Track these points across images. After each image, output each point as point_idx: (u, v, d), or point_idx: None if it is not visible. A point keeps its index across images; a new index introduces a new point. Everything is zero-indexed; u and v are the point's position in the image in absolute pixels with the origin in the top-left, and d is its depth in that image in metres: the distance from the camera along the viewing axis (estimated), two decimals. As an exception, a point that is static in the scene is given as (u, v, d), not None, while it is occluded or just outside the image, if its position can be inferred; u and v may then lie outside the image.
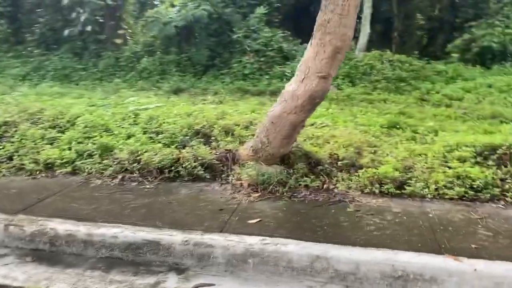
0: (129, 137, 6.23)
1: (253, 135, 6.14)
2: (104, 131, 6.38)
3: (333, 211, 4.34)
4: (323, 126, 7.04)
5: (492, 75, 12.95)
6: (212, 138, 6.23)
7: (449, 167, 5.19)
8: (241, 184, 4.99)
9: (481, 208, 4.41)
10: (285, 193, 4.73)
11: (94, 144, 5.85)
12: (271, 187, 4.83)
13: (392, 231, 3.85)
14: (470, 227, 3.94)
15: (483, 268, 3.23)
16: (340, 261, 3.35)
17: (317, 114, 7.48)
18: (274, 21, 15.31)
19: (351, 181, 4.99)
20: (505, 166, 5.17)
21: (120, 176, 5.27)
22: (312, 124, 7.06)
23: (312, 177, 5.10)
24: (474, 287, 3.14)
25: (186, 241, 3.57)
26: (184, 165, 5.28)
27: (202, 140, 6.14)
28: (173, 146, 5.78)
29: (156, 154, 5.47)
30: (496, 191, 4.66)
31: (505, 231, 3.86)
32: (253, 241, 3.55)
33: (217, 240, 3.60)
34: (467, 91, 11.11)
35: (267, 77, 12.50)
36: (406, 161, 5.41)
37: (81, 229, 3.77)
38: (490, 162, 5.26)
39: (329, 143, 5.99)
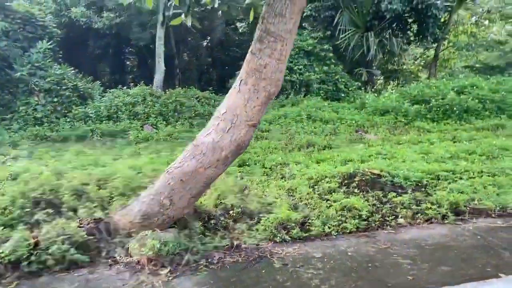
0: None
1: (111, 196, 5.15)
2: None
3: (263, 271, 3.92)
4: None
5: (282, 106, 14.65)
6: (63, 206, 4.89)
7: (327, 199, 5.45)
8: (138, 261, 4.02)
9: (378, 237, 4.72)
10: (198, 262, 4.04)
11: None
12: (176, 258, 4.06)
13: (335, 279, 3.73)
14: (389, 259, 4.16)
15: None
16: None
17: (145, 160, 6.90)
18: (57, 56, 13.49)
19: (256, 231, 4.66)
20: (367, 192, 5.75)
21: None
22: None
23: (211, 235, 4.55)
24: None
25: None
26: (49, 251, 3.93)
27: (50, 211, 4.73)
28: (20, 228, 4.24)
29: (1, 243, 3.91)
30: (378, 217, 5.09)
31: (417, 255, 4.21)
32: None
33: None
34: (269, 122, 12.20)
35: (68, 120, 10.82)
36: (288, 200, 5.43)
37: None
38: (356, 190, 5.76)
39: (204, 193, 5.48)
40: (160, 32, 14.67)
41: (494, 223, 5.03)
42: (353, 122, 12.33)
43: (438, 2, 17.68)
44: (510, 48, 23.35)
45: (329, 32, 19.39)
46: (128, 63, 24.55)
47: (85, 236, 4.20)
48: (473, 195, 5.58)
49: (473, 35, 23.16)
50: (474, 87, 14.97)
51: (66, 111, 11.21)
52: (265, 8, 3.35)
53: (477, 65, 22.53)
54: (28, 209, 4.75)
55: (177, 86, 18.32)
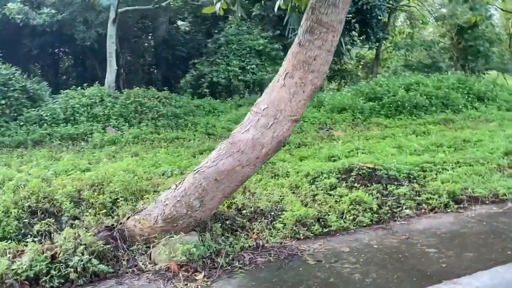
0: None
1: (113, 201, 4.79)
2: None
3: (301, 269, 3.83)
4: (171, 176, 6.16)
5: (239, 106, 14.56)
6: (64, 215, 4.48)
7: (332, 195, 5.47)
8: (168, 268, 3.77)
9: (394, 228, 4.81)
10: (231, 264, 3.87)
11: None
12: (207, 262, 3.86)
13: (375, 273, 3.74)
14: (415, 249, 4.24)
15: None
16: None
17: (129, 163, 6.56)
18: (-4, 55, 12.29)
19: (276, 229, 4.55)
20: (367, 186, 5.85)
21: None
22: (163, 174, 6.09)
23: (232, 236, 4.38)
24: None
25: None
26: (70, 263, 3.55)
27: (50, 220, 4.30)
28: (29, 240, 3.79)
29: (12, 258, 3.49)
30: (386, 209, 5.19)
31: (438, 243, 4.34)
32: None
33: None
34: (235, 122, 12.05)
35: (21, 123, 9.90)
36: (295, 197, 5.38)
37: None
38: (356, 184, 5.83)
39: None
40: (111, 30, 13.93)
41: (491, 210, 5.32)
42: (315, 119, 12.52)
43: (381, 3, 18.50)
44: (440, 47, 25.05)
45: (278, 32, 19.56)
46: (67, 63, 23.15)
47: (102, 245, 3.85)
48: (465, 184, 5.87)
49: (410, 36, 24.60)
50: (420, 84, 15.88)
51: (15, 114, 10.26)
52: (315, -2, 3.27)
53: (413, 64, 23.90)
54: (25, 220, 4.28)
55: (121, 87, 17.63)
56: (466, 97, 15.76)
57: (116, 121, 10.65)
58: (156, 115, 11.22)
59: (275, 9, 4.15)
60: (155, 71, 25.02)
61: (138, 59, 23.16)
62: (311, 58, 3.31)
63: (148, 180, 5.50)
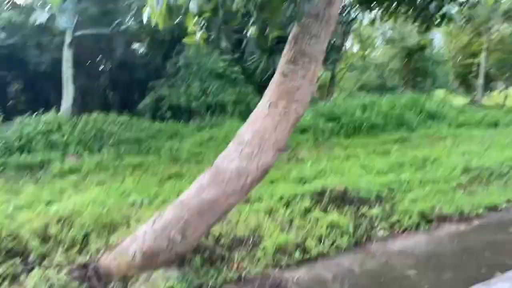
0: None
1: (84, 236, 4.57)
2: None
3: (288, 299, 3.78)
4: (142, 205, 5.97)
5: (201, 129, 14.46)
6: (31, 253, 4.20)
7: (309, 219, 5.48)
8: (151, 307, 3.60)
9: (371, 251, 4.87)
10: (217, 299, 3.76)
11: None
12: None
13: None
14: (396, 272, 4.31)
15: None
16: None
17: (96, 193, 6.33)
18: None
19: (256, 258, 4.48)
20: (340, 208, 5.91)
21: None
22: (133, 204, 5.87)
23: (212, 268, 4.26)
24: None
25: None
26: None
27: (17, 261, 4.02)
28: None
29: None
30: (362, 231, 5.25)
31: (416, 264, 4.43)
32: None
33: None
34: (199, 144, 11.93)
35: (-30, 153, 9.29)
36: (272, 222, 5.35)
37: None
38: (330, 207, 5.88)
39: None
40: (67, 54, 13.52)
41: (460, 228, 5.50)
42: (279, 141, 12.60)
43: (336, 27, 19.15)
44: (391, 68, 26.19)
45: (237, 55, 19.75)
46: (18, 88, 22.08)
47: (76, 285, 3.63)
48: (432, 203, 6.06)
49: (362, 58, 25.60)
50: (375, 105, 16.46)
51: (-36, 144, 9.65)
52: (297, 29, 3.31)
53: (367, 85, 24.83)
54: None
55: (77, 111, 17.05)
56: (419, 115, 16.49)
57: (75, 149, 10.24)
58: (117, 141, 10.90)
59: (248, 34, 4.17)
60: (112, 94, 24.45)
61: (94, 82, 22.52)
62: (294, 88, 3.34)
63: (119, 212, 5.28)
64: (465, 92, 25.09)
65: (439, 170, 8.11)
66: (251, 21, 3.67)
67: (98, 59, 22.49)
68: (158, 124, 13.97)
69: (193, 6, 2.90)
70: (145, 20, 3.33)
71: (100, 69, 22.96)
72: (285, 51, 3.42)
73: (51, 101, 17.04)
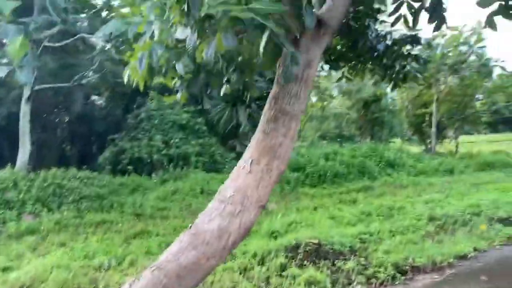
0: None
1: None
2: None
3: None
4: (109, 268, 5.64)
5: (164, 181, 14.18)
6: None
7: (285, 276, 5.36)
8: None
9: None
10: None
11: None
12: None
13: None
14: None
15: None
16: None
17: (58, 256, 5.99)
18: None
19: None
20: (315, 263, 5.84)
21: None
22: (100, 267, 5.53)
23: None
24: None
25: None
26: None
27: None
28: None
29: None
30: (339, 287, 5.18)
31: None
32: None
33: None
34: (163, 199, 11.63)
35: None
36: (248, 283, 5.18)
37: None
38: (305, 262, 5.79)
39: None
40: (25, 108, 13.10)
41: (434, 278, 5.55)
42: (245, 193, 12.52)
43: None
44: (349, 118, 27.12)
45: (200, 107, 19.90)
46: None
47: None
48: (405, 254, 6.10)
49: (321, 109, 26.43)
50: (337, 154, 16.85)
51: None
52: (277, 89, 3.37)
53: (327, 134, 25.53)
54: None
55: (33, 166, 16.35)
56: (379, 164, 16.99)
57: (33, 207, 9.68)
58: (78, 197, 10.45)
59: (221, 93, 4.21)
60: (71, 148, 23.75)
61: (51, 136, 21.83)
62: (276, 145, 3.36)
63: (85, 276, 4.96)
64: (419, 140, 26.20)
65: (406, 219, 8.27)
66: (229, 80, 3.70)
67: (56, 112, 22.00)
68: (120, 178, 13.57)
69: (180, 68, 2.91)
70: (125, 80, 3.31)
71: (58, 122, 22.40)
72: (265, 110, 3.46)
73: (6, 156, 16.29)
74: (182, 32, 2.82)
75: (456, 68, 22.10)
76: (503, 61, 22.32)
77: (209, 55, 2.59)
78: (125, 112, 21.54)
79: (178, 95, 3.73)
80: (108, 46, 13.28)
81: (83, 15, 14.14)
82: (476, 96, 25.90)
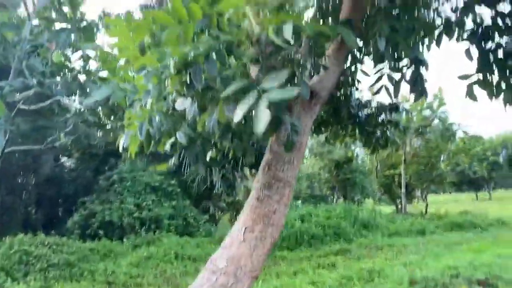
0: None
1: None
2: None
3: None
4: None
5: (135, 246, 13.68)
6: None
7: None
8: None
9: None
10: None
11: None
12: None
13: None
14: None
15: None
16: None
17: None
18: None
19: None
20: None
21: None
22: None
23: None
24: None
25: None
26: None
27: None
28: None
29: None
30: None
31: None
32: None
33: None
34: (136, 266, 11.15)
35: None
36: None
37: None
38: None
39: None
40: (-8, 171, 12.68)
41: None
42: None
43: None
44: (321, 179, 27.45)
45: (174, 168, 19.76)
46: None
47: None
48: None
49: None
50: (312, 215, 16.86)
51: None
52: (270, 156, 3.42)
53: (300, 195, 25.64)
54: None
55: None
56: (354, 225, 17.06)
57: (-5, 276, 9.08)
58: (46, 265, 9.87)
59: (207, 158, 4.22)
60: (37, 211, 22.79)
61: (16, 199, 20.96)
62: (270, 212, 3.36)
63: None
64: (390, 201, 26.68)
65: (387, 282, 8.23)
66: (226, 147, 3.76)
67: (24, 174, 21.33)
68: (90, 243, 13.02)
69: (181, 137, 2.94)
70: (121, 148, 3.29)
71: (25, 185, 21.63)
72: (258, 177, 3.49)
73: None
74: (181, 103, 2.88)
75: (421, 131, 23.14)
76: (465, 125, 23.47)
77: (212, 126, 2.65)
78: (95, 174, 21.09)
79: (170, 162, 3.73)
80: (83, 108, 13.29)
81: (59, 78, 14.20)
82: (441, 158, 26.95)
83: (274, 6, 2.55)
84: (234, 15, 2.55)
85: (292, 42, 2.36)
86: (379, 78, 4.28)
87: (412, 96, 4.15)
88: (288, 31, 2.27)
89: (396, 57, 3.90)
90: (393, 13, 3.58)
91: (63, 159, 24.60)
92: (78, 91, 12.28)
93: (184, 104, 2.82)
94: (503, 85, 3.74)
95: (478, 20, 3.69)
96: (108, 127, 15.30)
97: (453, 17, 3.90)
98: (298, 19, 2.37)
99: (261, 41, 2.53)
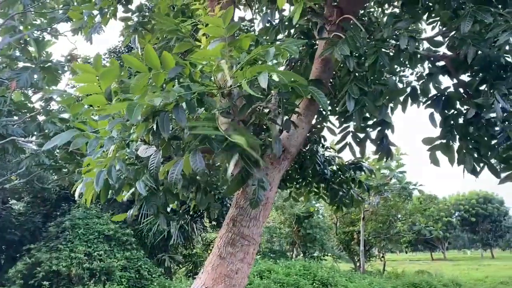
0: None
1: None
2: None
3: None
4: None
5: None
6: None
7: None
8: None
9: None
10: None
11: None
12: None
13: None
14: None
15: None
16: None
17: None
18: None
19: None
20: None
21: None
22: None
23: None
24: None
25: None
26: None
27: None
28: None
29: None
30: None
31: None
32: None
33: None
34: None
35: None
36: None
37: None
38: None
39: None
40: None
41: None
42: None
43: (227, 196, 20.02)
44: (281, 233, 27.11)
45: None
46: None
47: None
48: None
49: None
50: (271, 272, 16.46)
51: None
52: (236, 211, 3.28)
53: (260, 249, 25.09)
54: None
55: None
56: (313, 283, 16.74)
57: None
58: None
59: (168, 209, 4.02)
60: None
61: None
62: (233, 272, 3.17)
63: None
64: (349, 257, 26.57)
65: None
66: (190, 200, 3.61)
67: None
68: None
69: (140, 188, 2.78)
70: (77, 195, 3.08)
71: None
72: (221, 233, 3.33)
73: None
74: (144, 151, 2.76)
75: (379, 189, 23.60)
76: (421, 185, 24.12)
77: (175, 177, 2.52)
78: (45, 219, 19.98)
79: (129, 213, 3.52)
80: (39, 150, 12.73)
81: (16, 118, 13.68)
82: (398, 217, 27.43)
83: (247, 61, 2.55)
84: (208, 67, 2.52)
85: (266, 92, 2.35)
86: (344, 136, 4.34)
87: (371, 155, 4.22)
88: (264, 80, 2.25)
89: (363, 117, 3.98)
90: (361, 76, 3.68)
91: (12, 201, 23.29)
92: (35, 132, 11.78)
93: (147, 152, 2.70)
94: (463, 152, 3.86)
95: (442, 88, 3.85)
96: (65, 170, 14.71)
97: (416, 84, 4.06)
98: (273, 70, 2.35)
99: (233, 94, 2.50)
